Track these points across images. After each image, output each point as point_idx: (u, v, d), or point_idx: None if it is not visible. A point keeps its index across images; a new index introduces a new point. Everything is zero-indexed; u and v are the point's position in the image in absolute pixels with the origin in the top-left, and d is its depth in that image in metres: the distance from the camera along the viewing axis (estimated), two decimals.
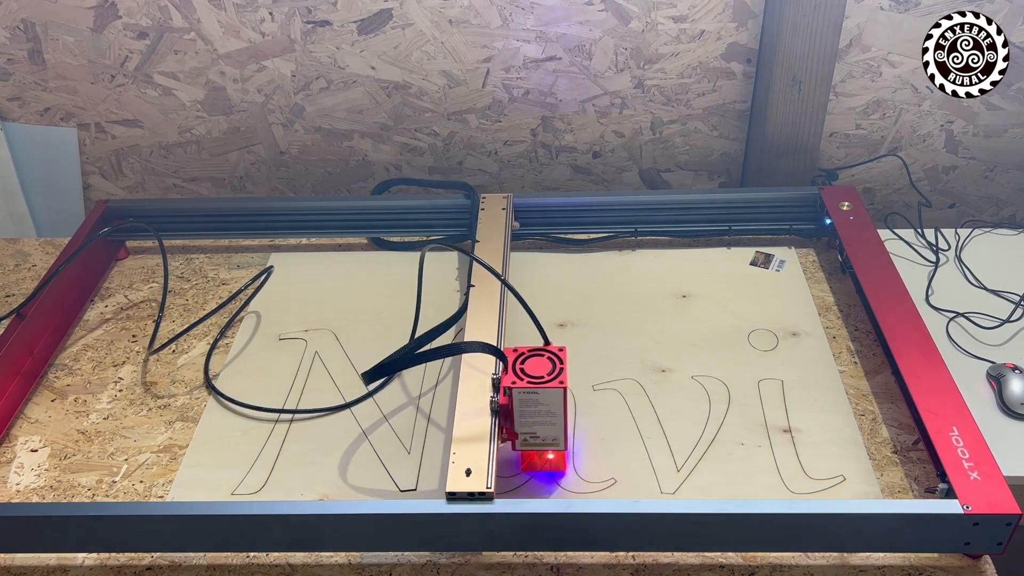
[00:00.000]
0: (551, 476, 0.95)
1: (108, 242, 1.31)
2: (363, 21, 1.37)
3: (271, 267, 1.28)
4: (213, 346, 1.15)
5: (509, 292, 0.99)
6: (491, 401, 0.91)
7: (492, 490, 0.85)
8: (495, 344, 1.00)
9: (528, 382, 0.88)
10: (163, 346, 1.15)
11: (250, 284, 1.24)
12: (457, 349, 0.97)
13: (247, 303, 1.23)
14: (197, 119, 1.49)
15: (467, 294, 1.11)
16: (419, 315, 1.08)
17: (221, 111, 1.48)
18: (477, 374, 0.97)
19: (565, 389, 0.87)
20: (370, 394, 1.07)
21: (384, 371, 0.94)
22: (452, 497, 0.85)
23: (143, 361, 1.15)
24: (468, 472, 0.86)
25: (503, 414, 0.90)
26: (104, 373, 1.13)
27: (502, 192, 1.30)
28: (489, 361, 0.96)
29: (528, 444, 0.91)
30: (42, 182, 1.56)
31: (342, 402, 1.06)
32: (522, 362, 0.90)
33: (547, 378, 0.88)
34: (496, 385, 0.91)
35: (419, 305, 1.08)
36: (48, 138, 1.51)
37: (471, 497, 0.85)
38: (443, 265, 1.28)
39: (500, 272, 1.07)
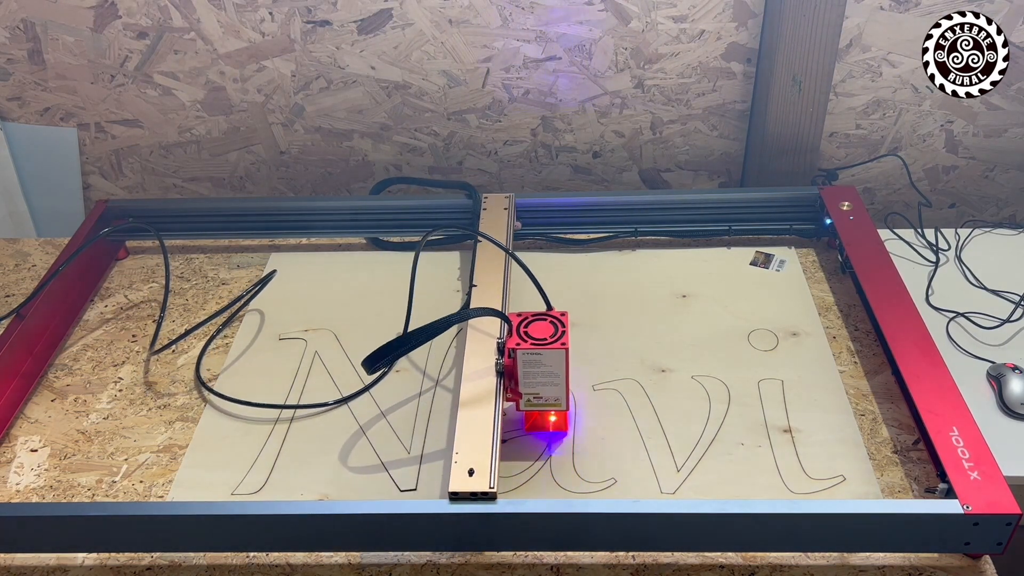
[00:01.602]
0: (554, 436, 1.00)
1: (108, 242, 1.31)
2: (363, 21, 1.37)
3: (274, 271, 1.28)
4: (206, 346, 1.15)
5: (513, 263, 1.05)
6: (496, 363, 0.96)
7: (495, 490, 0.85)
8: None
9: (532, 344, 0.92)
10: (164, 347, 1.15)
11: (252, 289, 1.24)
12: (464, 316, 1.01)
13: (247, 303, 1.23)
14: (197, 119, 1.49)
15: (469, 293, 1.11)
16: (411, 309, 1.09)
17: (221, 111, 1.48)
18: (484, 338, 1.01)
19: (567, 350, 0.91)
20: (367, 388, 1.07)
21: (386, 353, 0.93)
22: (455, 497, 0.85)
23: (143, 361, 1.15)
24: (471, 472, 0.86)
25: (508, 375, 0.95)
26: (104, 373, 1.13)
27: (503, 192, 1.30)
28: (495, 328, 1.01)
29: (532, 404, 0.96)
30: (42, 182, 1.56)
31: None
32: (526, 326, 0.94)
33: (550, 340, 0.92)
34: (501, 348, 0.96)
35: (412, 295, 1.09)
36: (48, 138, 1.51)
37: (474, 497, 0.85)
38: (443, 266, 1.28)
39: (504, 253, 1.13)
